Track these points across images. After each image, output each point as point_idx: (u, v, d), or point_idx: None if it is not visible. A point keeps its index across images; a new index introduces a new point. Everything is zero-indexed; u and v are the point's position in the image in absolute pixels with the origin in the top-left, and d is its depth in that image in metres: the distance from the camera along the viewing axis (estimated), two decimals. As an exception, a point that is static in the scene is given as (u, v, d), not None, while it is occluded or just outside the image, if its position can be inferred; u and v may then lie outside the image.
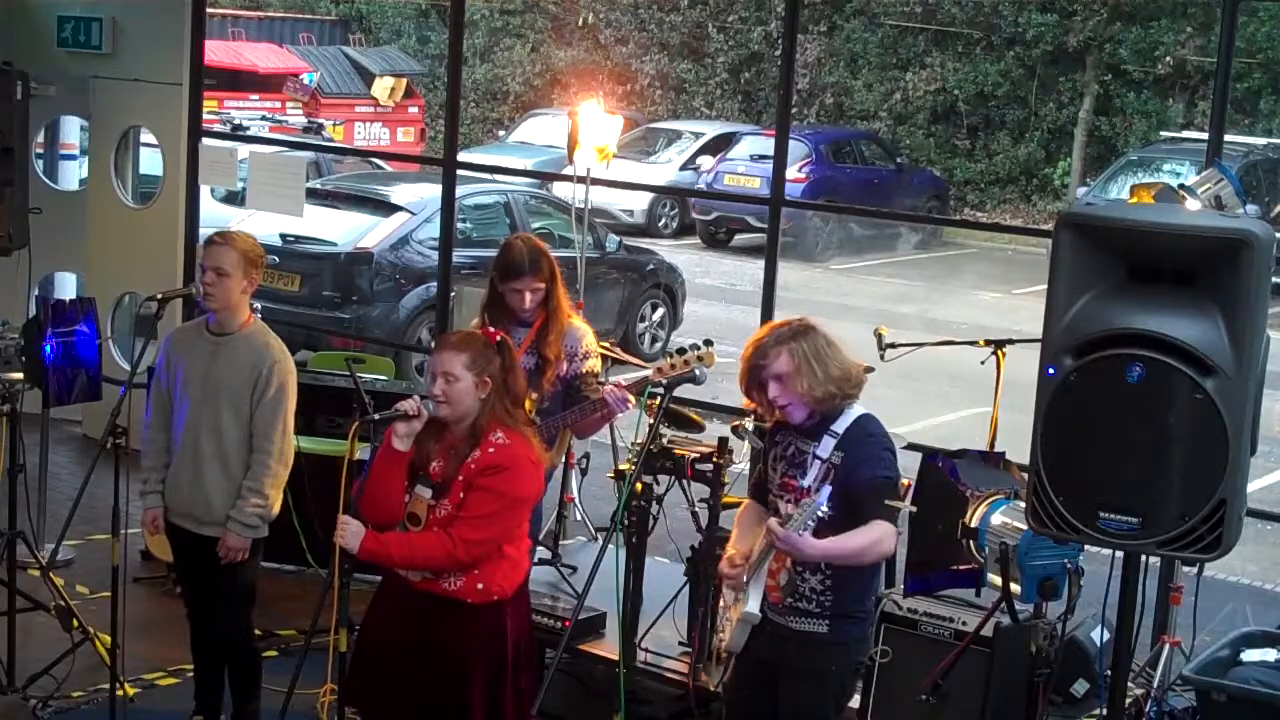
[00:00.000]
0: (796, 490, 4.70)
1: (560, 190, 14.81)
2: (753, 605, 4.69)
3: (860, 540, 4.54)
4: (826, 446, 4.65)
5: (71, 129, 10.36)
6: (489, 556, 4.62)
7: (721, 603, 5.04)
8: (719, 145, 22.57)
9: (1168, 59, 23.83)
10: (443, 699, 4.66)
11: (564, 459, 6.96)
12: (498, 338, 4.75)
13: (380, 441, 4.71)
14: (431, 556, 4.58)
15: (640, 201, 21.54)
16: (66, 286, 9.97)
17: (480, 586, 4.63)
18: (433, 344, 9.54)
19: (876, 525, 4.54)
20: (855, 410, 4.70)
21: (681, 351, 5.33)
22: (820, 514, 4.46)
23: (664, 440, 6.09)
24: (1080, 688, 5.73)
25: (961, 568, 4.57)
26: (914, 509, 4.70)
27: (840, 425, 4.66)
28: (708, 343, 5.31)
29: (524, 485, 4.65)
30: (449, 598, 4.62)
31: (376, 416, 4.66)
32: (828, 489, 4.49)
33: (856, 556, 4.59)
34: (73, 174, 10.45)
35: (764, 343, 4.70)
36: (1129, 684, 4.10)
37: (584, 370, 5.85)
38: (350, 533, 4.57)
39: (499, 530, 4.61)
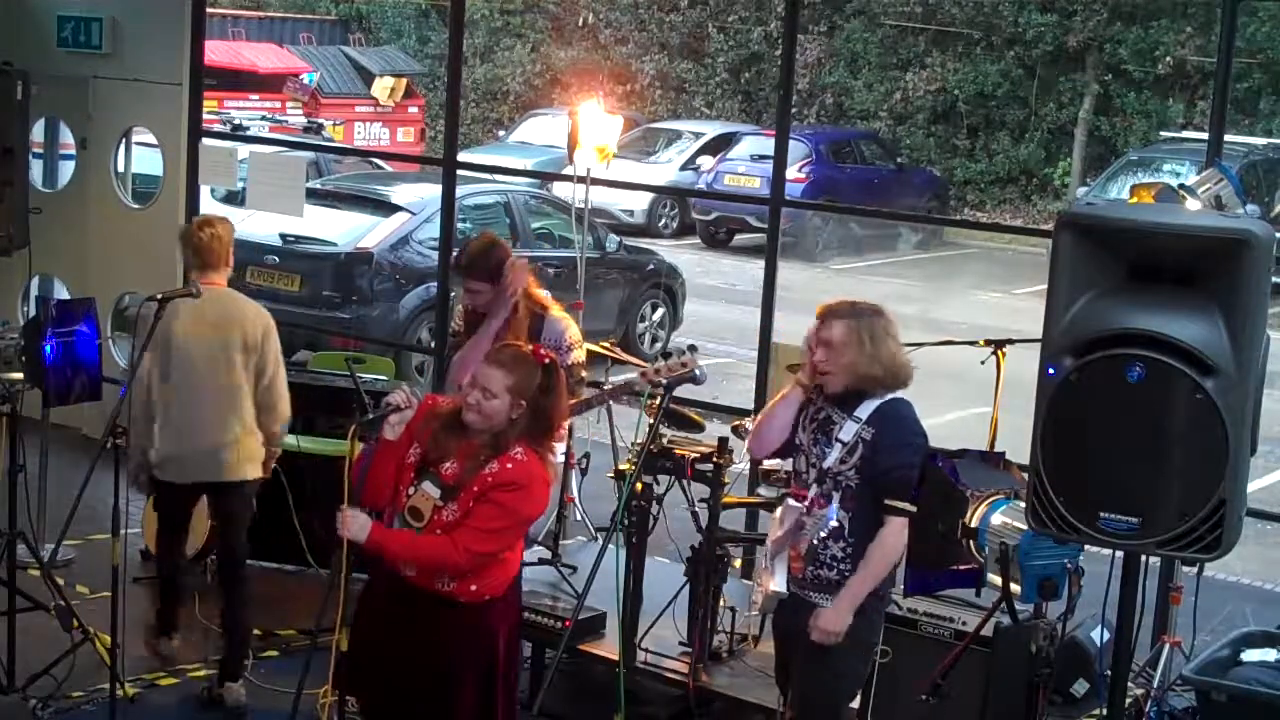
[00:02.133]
0: (818, 470, 4.81)
1: (560, 190, 14.80)
2: (779, 582, 4.81)
3: (878, 557, 4.72)
4: (855, 423, 4.77)
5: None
6: (487, 566, 4.63)
7: (755, 576, 5.12)
8: (719, 145, 22.57)
9: (1168, 59, 23.83)
10: (434, 695, 4.67)
11: (564, 459, 6.96)
12: (546, 360, 4.73)
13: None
14: (433, 558, 4.57)
15: (640, 201, 21.53)
16: (57, 293, 9.96)
17: (474, 588, 4.63)
18: (433, 344, 9.55)
19: (888, 530, 4.69)
20: (887, 396, 4.81)
21: (667, 356, 5.39)
22: (832, 525, 4.71)
23: (664, 440, 6.10)
24: (1080, 688, 5.74)
25: (961, 568, 4.58)
26: (914, 509, 4.71)
27: (865, 410, 4.77)
28: (692, 348, 5.42)
29: (534, 505, 4.66)
30: (441, 596, 4.62)
31: (371, 416, 4.66)
32: (835, 505, 4.72)
33: (884, 569, 4.76)
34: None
35: (832, 309, 4.87)
36: (1129, 684, 4.10)
37: (570, 362, 5.87)
38: (357, 525, 4.55)
39: (503, 544, 4.64)
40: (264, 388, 6.24)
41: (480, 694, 4.68)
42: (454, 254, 6.17)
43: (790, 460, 5.02)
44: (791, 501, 4.84)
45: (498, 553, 4.63)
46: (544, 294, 6.07)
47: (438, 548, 4.56)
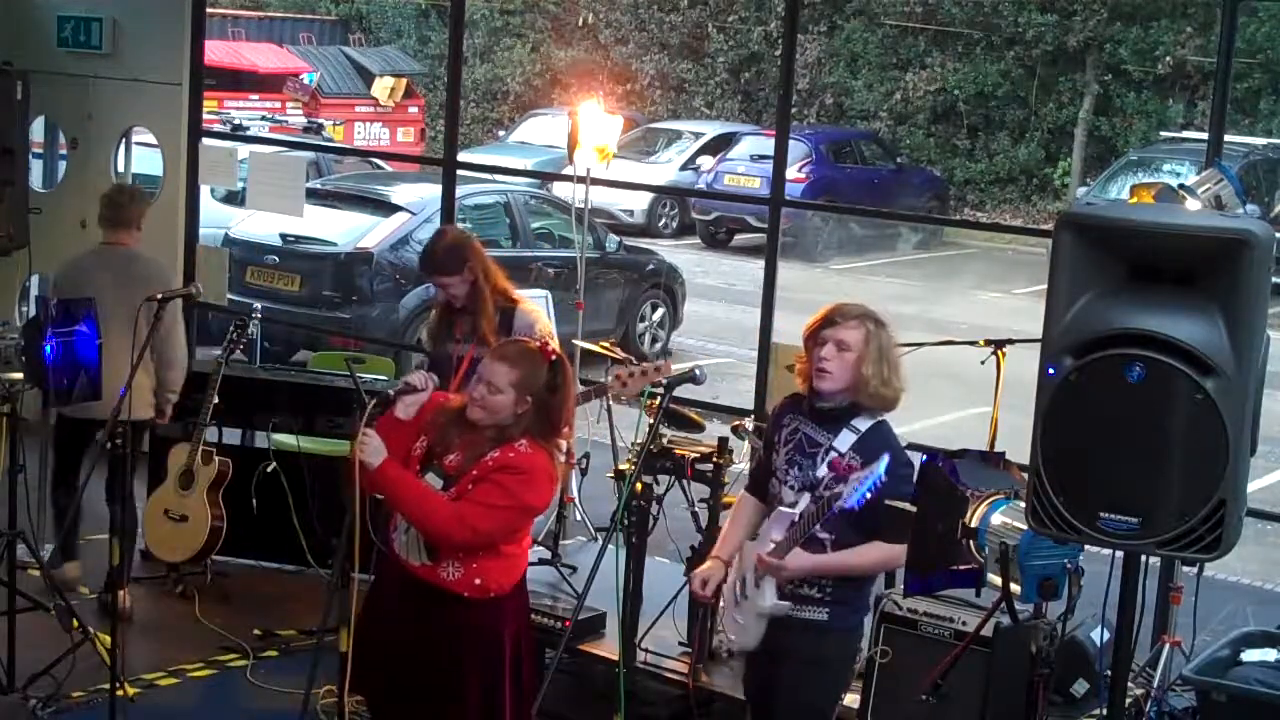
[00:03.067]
0: (809, 481, 4.69)
1: (560, 190, 14.80)
2: (770, 598, 4.69)
3: (874, 558, 4.64)
4: (845, 441, 4.67)
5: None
6: (483, 550, 4.61)
7: (722, 603, 5.03)
8: (719, 145, 22.57)
9: (1168, 59, 23.84)
10: (438, 692, 4.66)
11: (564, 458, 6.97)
12: (553, 356, 4.72)
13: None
14: (434, 513, 4.53)
15: (640, 201, 21.53)
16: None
17: (478, 582, 4.62)
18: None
19: (882, 548, 4.63)
20: (877, 415, 4.73)
21: (639, 360, 5.53)
22: (880, 482, 4.42)
23: (664, 440, 6.10)
24: (1080, 688, 5.73)
25: (961, 568, 4.57)
26: (914, 509, 4.69)
27: (861, 424, 4.69)
28: (665, 353, 5.52)
29: (536, 494, 4.63)
30: (446, 589, 4.62)
31: (392, 393, 4.67)
32: (886, 457, 4.47)
33: (868, 564, 4.70)
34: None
35: (848, 309, 4.72)
36: (1129, 684, 4.10)
37: None
38: (372, 448, 4.51)
39: (501, 526, 4.60)
40: (161, 338, 6.89)
41: (484, 692, 4.67)
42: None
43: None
44: (783, 509, 4.71)
45: (494, 534, 4.59)
46: (496, 287, 6.17)
47: (440, 508, 4.52)
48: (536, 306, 6.29)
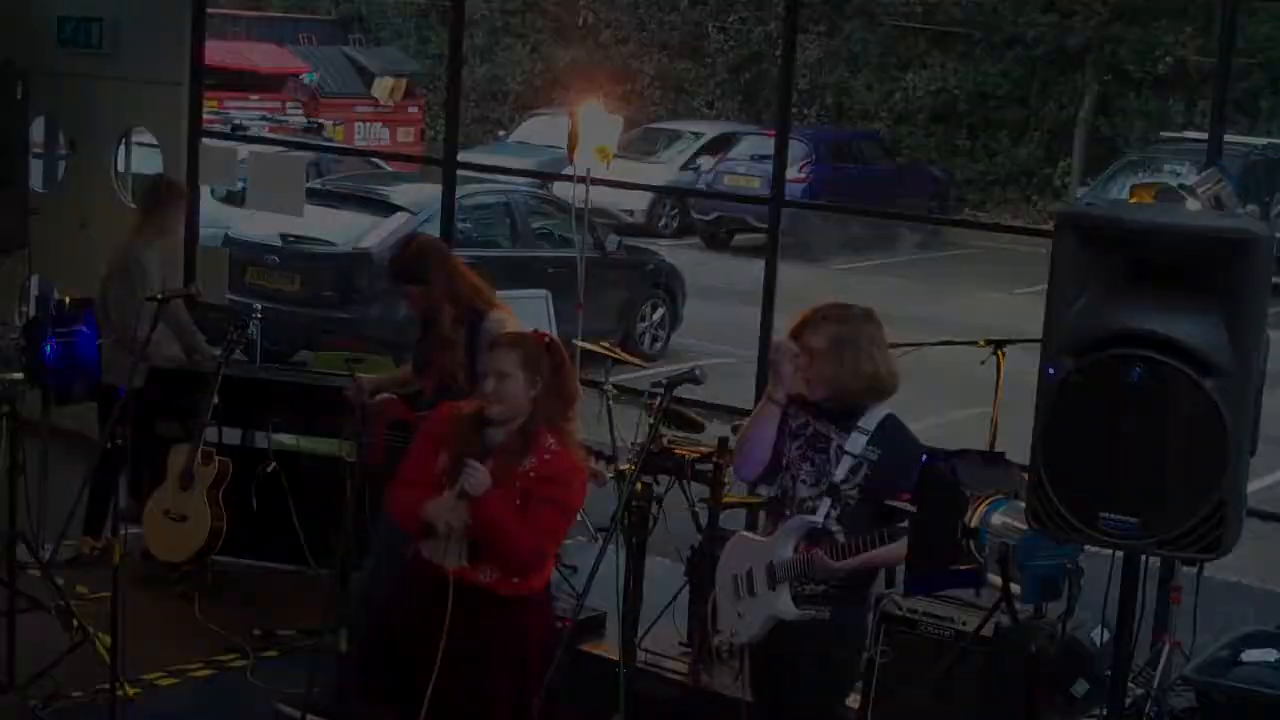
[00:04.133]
0: (825, 482, 4.69)
1: (560, 190, 14.80)
2: (788, 605, 4.68)
3: (896, 552, 4.59)
4: (858, 443, 4.67)
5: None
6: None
7: (715, 601, 5.00)
8: (719, 145, 22.57)
9: (1168, 59, 23.85)
10: (468, 688, 4.64)
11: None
12: (546, 338, 4.75)
13: (370, 438, 4.70)
14: (515, 543, 4.56)
15: (640, 201, 21.52)
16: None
17: (515, 580, 4.64)
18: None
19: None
20: (882, 408, 4.73)
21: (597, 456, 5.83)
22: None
23: (664, 440, 6.10)
24: (1080, 688, 5.72)
25: (961, 568, 4.57)
26: (914, 509, 4.69)
27: (869, 422, 4.69)
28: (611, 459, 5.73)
29: (579, 495, 4.72)
30: (481, 588, 4.61)
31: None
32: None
33: (882, 560, 4.68)
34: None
35: (811, 313, 4.73)
36: (1129, 684, 4.10)
37: None
38: (478, 480, 4.48)
39: (559, 541, 4.73)
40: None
41: (514, 689, 4.66)
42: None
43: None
44: (808, 516, 4.69)
45: (552, 550, 4.72)
46: (519, 292, 6.12)
47: (522, 536, 4.55)
48: (508, 313, 6.18)
